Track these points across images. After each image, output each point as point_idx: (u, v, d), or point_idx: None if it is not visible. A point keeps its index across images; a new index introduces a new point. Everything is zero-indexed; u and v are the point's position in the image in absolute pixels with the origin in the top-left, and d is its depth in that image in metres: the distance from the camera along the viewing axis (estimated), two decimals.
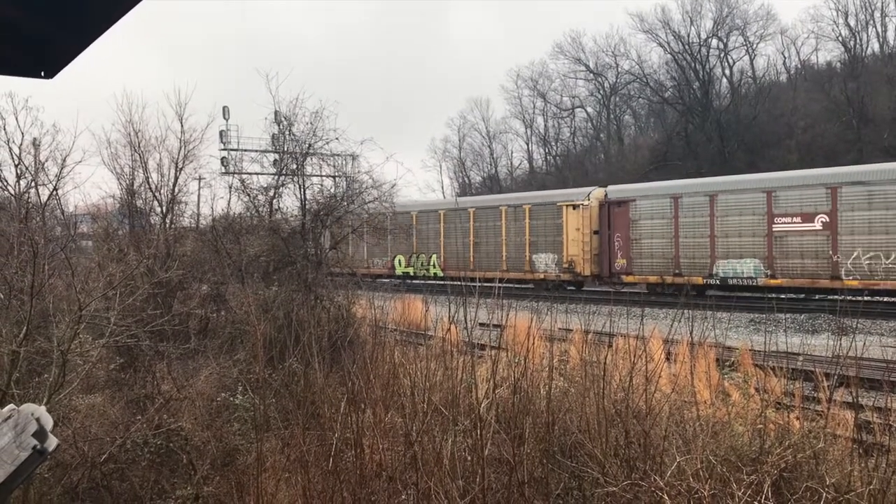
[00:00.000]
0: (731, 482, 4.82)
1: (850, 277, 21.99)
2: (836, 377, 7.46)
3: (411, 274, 34.12)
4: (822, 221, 22.71)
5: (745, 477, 4.89)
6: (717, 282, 24.98)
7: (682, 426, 6.37)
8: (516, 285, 28.06)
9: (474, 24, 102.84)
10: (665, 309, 21.56)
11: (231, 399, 8.75)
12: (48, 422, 2.02)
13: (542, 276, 29.41)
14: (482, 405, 6.29)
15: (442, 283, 29.29)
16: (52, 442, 2.01)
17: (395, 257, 34.38)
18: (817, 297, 22.69)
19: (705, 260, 25.20)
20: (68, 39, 2.57)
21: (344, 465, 6.51)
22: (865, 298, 19.98)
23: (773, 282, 23.69)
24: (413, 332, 14.01)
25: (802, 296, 23.10)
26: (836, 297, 19.67)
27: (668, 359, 9.38)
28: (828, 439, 5.96)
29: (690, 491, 4.78)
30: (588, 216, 28.63)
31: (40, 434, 1.98)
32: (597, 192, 29.20)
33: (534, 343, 8.15)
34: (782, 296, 22.02)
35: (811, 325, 19.71)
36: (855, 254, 21.98)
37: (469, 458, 6.08)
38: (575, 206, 28.86)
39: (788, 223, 23.35)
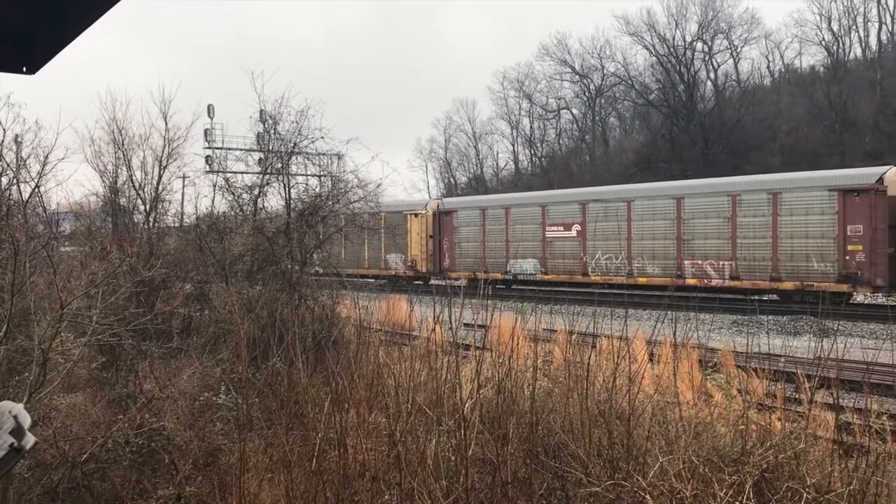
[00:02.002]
0: (713, 482, 4.85)
1: (595, 274, 28.01)
2: (817, 379, 7.51)
3: None
4: (576, 230, 28.77)
5: (728, 477, 4.92)
6: (511, 277, 30.54)
7: (665, 427, 6.39)
8: (373, 280, 32.74)
9: (461, 25, 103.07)
10: (648, 310, 21.70)
11: (214, 399, 8.69)
12: (26, 420, 1.99)
13: (393, 272, 34.80)
14: (466, 405, 6.29)
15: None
16: (30, 440, 1.98)
17: None
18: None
19: (502, 260, 31.29)
20: (51, 35, 2.54)
21: (327, 465, 6.50)
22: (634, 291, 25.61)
23: (546, 277, 29.58)
24: (397, 332, 14.00)
25: (566, 288, 28.11)
26: (587, 289, 26.68)
27: (651, 360, 9.42)
28: (809, 440, 6.00)
29: (673, 491, 4.80)
30: (425, 223, 34.33)
31: (17, 432, 1.95)
32: (432, 203, 35.35)
33: (518, 343, 8.17)
34: (554, 288, 27.75)
35: (793, 328, 19.87)
36: (597, 255, 28.00)
37: (453, 458, 6.08)
38: (416, 215, 34.43)
39: (556, 231, 29.48)
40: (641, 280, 26.46)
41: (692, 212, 25.43)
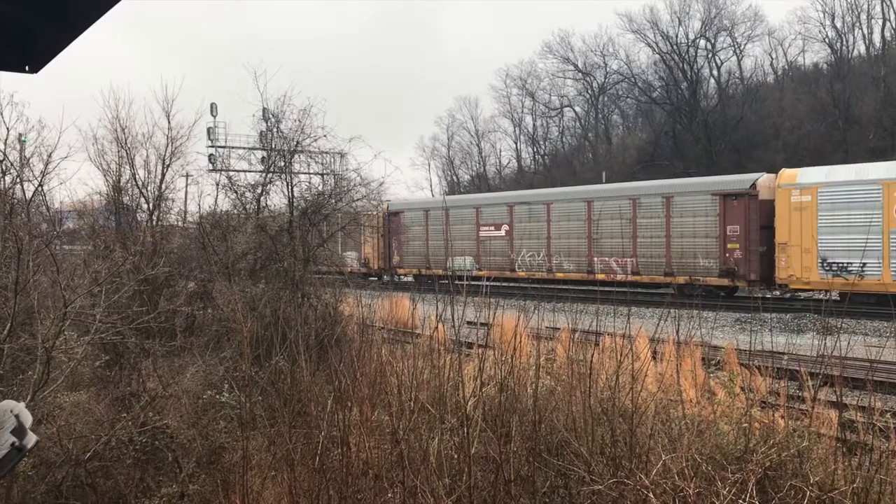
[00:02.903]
0: (716, 481, 4.84)
1: (521, 270, 30.58)
2: (820, 376, 7.50)
3: None
4: (505, 230, 31.54)
5: (730, 475, 4.91)
6: (451, 273, 31.59)
7: (668, 425, 6.39)
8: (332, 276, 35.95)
9: (464, 22, 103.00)
10: (652, 308, 21.70)
11: (217, 397, 8.71)
12: (27, 418, 1.99)
13: (349, 269, 38.92)
14: (469, 403, 6.29)
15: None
16: (31, 439, 1.98)
17: None
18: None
19: (443, 257, 33.68)
20: (53, 33, 2.54)
21: (330, 463, 6.50)
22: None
23: (480, 272, 31.70)
24: (400, 331, 14.00)
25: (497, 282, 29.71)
26: (514, 283, 28.83)
27: (654, 357, 9.41)
28: (812, 438, 5.99)
29: (676, 489, 4.80)
30: (376, 223, 34.97)
31: (19, 431, 1.94)
32: (383, 205, 35.98)
33: (520, 341, 8.16)
34: (488, 282, 28.66)
35: (796, 325, 19.84)
36: (522, 253, 30.68)
37: (456, 456, 6.08)
38: (368, 215, 35.08)
39: (488, 231, 32.29)
40: (559, 275, 28.76)
41: (600, 213, 28.07)
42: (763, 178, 24.52)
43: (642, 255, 26.72)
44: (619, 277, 26.73)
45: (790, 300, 23.59)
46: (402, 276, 35.56)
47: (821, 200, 22.41)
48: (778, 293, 24.24)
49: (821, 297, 22.48)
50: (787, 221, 23.08)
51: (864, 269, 21.23)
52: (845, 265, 21.95)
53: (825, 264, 22.34)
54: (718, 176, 28.94)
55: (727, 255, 24.55)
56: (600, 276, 27.49)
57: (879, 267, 21.27)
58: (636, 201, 26.95)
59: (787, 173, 23.85)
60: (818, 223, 22.42)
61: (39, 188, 12.96)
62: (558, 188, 35.19)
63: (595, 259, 28.12)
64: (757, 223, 23.91)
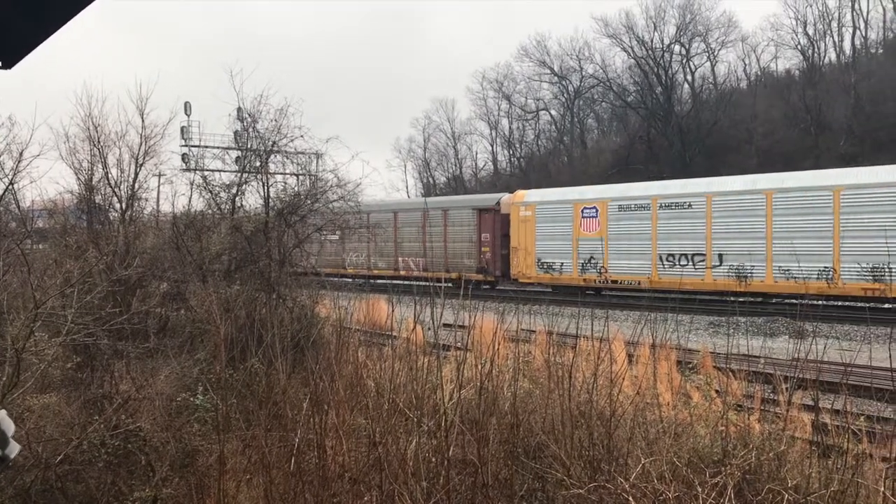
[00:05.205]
0: (695, 484, 4.85)
1: (350, 268, 36.02)
2: (794, 380, 7.56)
3: None
4: (338, 235, 34.86)
5: (709, 479, 4.92)
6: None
7: (645, 428, 6.40)
8: None
9: (441, 24, 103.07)
10: (626, 311, 21.83)
11: (191, 399, 8.60)
12: (9, 427, 1.92)
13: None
14: (448, 405, 6.26)
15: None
16: (14, 448, 1.91)
17: None
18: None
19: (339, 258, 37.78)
20: (28, 28, 2.48)
21: (306, 466, 6.43)
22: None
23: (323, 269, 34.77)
24: (377, 333, 13.93)
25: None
26: (344, 279, 32.53)
27: (630, 361, 9.44)
28: (788, 442, 6.03)
29: (655, 493, 4.80)
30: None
31: (1, 440, 1.88)
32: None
33: (499, 345, 8.14)
34: (328, 278, 35.48)
35: (769, 329, 20.04)
36: (351, 255, 36.12)
37: (433, 459, 6.04)
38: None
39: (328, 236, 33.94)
40: (376, 272, 35.45)
41: (403, 222, 34.89)
42: (505, 197, 31.83)
43: (430, 256, 33.28)
44: (415, 273, 33.58)
45: (763, 304, 23.93)
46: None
47: (538, 215, 29.60)
48: (516, 286, 29.30)
49: (539, 288, 29.58)
50: (517, 231, 30.19)
51: (563, 267, 28.82)
52: (552, 264, 29.19)
53: (540, 263, 29.48)
54: (476, 195, 37.67)
55: (482, 256, 31.68)
56: (403, 273, 34.33)
57: (571, 266, 28.53)
58: (426, 213, 33.79)
59: (518, 193, 31.32)
60: (536, 232, 29.56)
61: (10, 186, 12.75)
62: (377, 201, 42.29)
63: (399, 259, 34.78)
64: (500, 232, 31.00)
